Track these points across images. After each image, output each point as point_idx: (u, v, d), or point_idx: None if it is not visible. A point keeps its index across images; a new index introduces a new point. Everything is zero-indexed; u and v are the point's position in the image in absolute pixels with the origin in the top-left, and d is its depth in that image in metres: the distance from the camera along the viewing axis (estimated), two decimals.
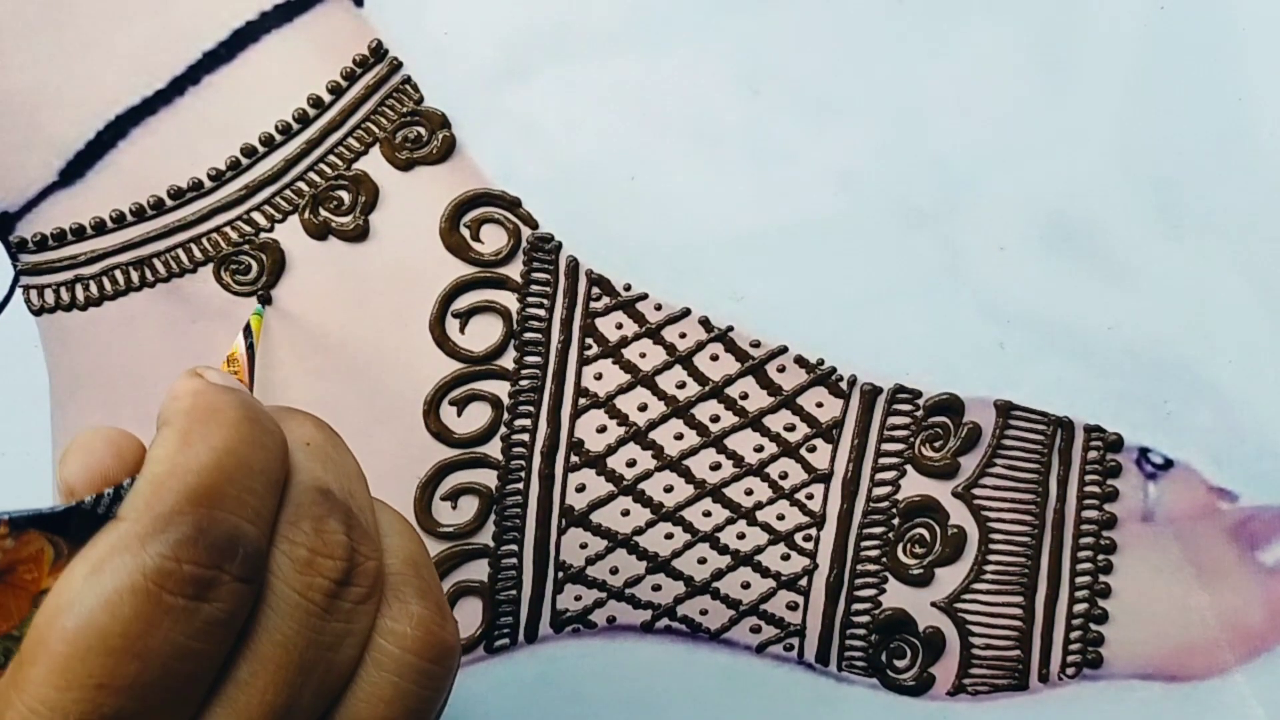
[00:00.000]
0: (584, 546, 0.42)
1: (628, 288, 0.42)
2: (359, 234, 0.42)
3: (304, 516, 0.29)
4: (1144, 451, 0.42)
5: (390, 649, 0.29)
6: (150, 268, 0.42)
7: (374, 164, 0.42)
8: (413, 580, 0.30)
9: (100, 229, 0.42)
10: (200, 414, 0.28)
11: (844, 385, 0.42)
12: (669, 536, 0.42)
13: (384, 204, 0.42)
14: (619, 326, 0.42)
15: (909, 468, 0.42)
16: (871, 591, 0.42)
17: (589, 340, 0.42)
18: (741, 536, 0.42)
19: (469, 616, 0.42)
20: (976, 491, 0.42)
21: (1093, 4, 0.42)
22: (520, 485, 0.42)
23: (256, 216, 0.42)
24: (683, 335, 0.42)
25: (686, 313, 0.42)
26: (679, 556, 0.42)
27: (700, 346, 0.42)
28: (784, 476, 0.42)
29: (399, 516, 0.32)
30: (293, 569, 0.28)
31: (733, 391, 0.42)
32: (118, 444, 0.29)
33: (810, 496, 0.42)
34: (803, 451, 0.42)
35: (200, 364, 0.32)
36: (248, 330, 0.39)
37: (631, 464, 0.42)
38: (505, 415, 0.42)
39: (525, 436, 0.42)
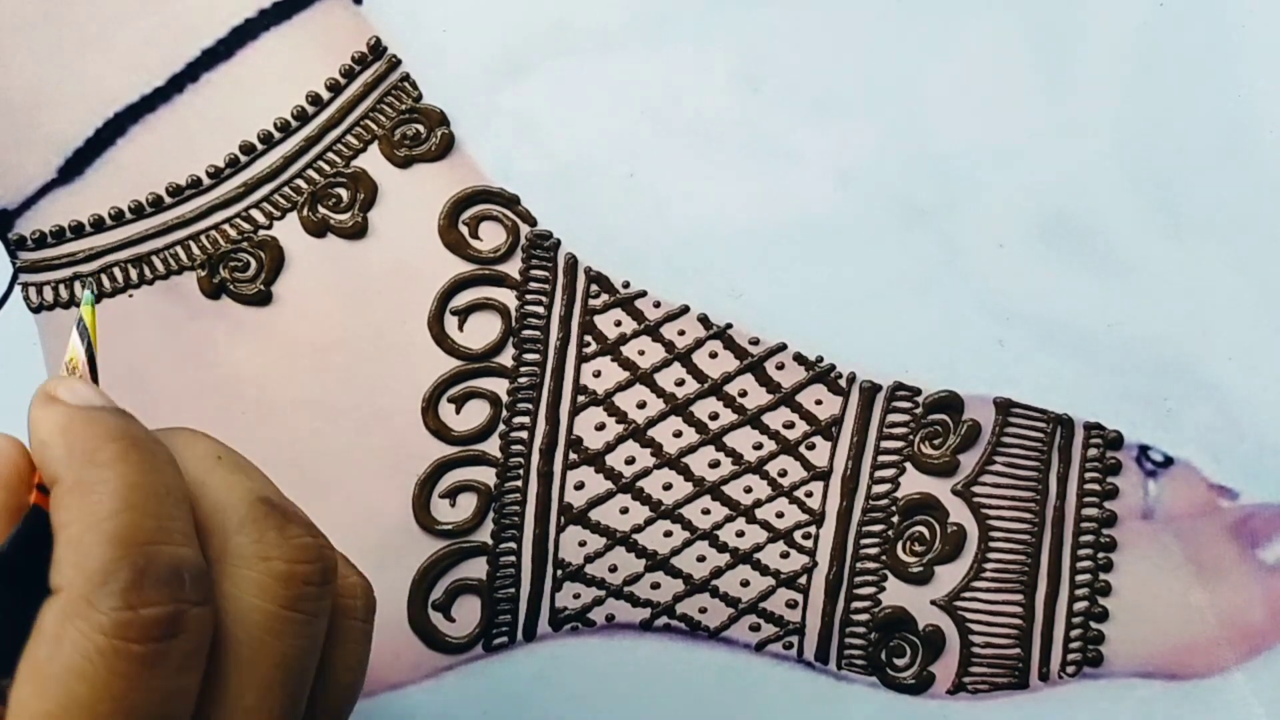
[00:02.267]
0: (583, 544, 0.42)
1: (626, 285, 0.42)
2: (357, 231, 0.42)
3: (266, 530, 0.28)
4: (1144, 449, 0.42)
5: (348, 623, 0.30)
6: (149, 265, 0.42)
7: (373, 161, 0.42)
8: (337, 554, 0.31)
9: (99, 226, 0.42)
10: (81, 457, 0.27)
11: (843, 383, 0.42)
12: (668, 534, 0.42)
13: (382, 201, 0.42)
14: (618, 324, 0.42)
15: (908, 465, 0.42)
16: (871, 590, 0.42)
17: (588, 337, 0.42)
18: (740, 534, 0.42)
19: (467, 614, 0.42)
20: (976, 489, 0.42)
21: (1092, 1, 0.42)
22: (519, 483, 0.42)
23: (255, 214, 0.42)
24: (681, 333, 0.42)
25: (685, 310, 0.42)
26: (678, 554, 0.42)
27: (699, 344, 0.42)
28: (783, 474, 0.42)
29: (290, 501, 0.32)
30: (277, 586, 0.28)
31: (732, 389, 0.42)
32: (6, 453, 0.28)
33: (809, 494, 0.42)
34: (802, 449, 0.42)
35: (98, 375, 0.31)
36: (82, 328, 0.34)
37: (630, 461, 0.42)
38: (504, 412, 0.42)
39: (524, 434, 0.42)
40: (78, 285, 0.42)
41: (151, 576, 0.26)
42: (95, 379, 0.33)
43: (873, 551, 0.42)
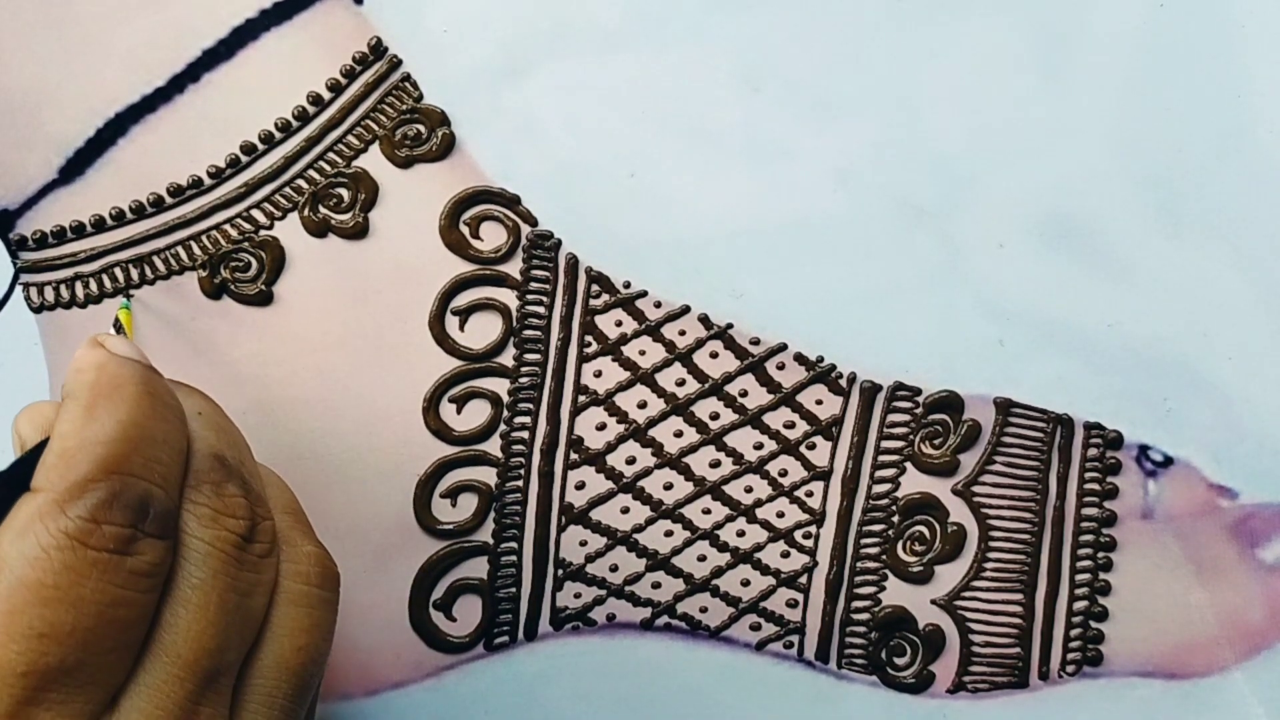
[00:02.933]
0: (583, 544, 0.42)
1: (627, 285, 0.42)
2: (358, 231, 0.42)
3: (204, 480, 0.31)
4: (1144, 449, 0.42)
5: (297, 587, 0.33)
6: (150, 265, 0.42)
7: (373, 161, 0.42)
8: (297, 526, 0.34)
9: (100, 226, 0.42)
10: (103, 388, 0.30)
11: (843, 382, 0.42)
12: (668, 534, 0.42)
13: (383, 201, 0.42)
14: (618, 324, 0.42)
15: (909, 465, 0.42)
16: (871, 589, 0.42)
17: (588, 338, 0.42)
18: (741, 534, 0.42)
19: (468, 614, 0.42)
20: (976, 489, 0.42)
21: (1092, 1, 0.42)
22: (520, 483, 0.42)
23: (256, 214, 0.42)
24: (682, 333, 0.42)
25: (686, 310, 0.42)
26: (678, 554, 0.42)
27: (700, 344, 0.42)
28: (784, 474, 0.42)
29: (270, 471, 0.36)
30: (200, 525, 0.31)
31: (732, 389, 0.42)
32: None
33: (810, 494, 0.42)
34: (802, 449, 0.42)
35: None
36: (119, 327, 0.39)
37: (631, 461, 0.42)
38: (505, 413, 0.42)
39: (525, 434, 0.42)
40: (78, 285, 0.42)
41: (121, 501, 0.29)
42: None
43: (873, 551, 0.42)
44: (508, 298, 0.42)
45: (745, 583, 0.42)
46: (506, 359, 0.42)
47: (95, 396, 0.30)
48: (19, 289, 0.42)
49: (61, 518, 0.28)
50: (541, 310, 0.42)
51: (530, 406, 0.42)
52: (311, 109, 0.42)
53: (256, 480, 0.34)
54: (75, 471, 0.29)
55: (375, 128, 0.42)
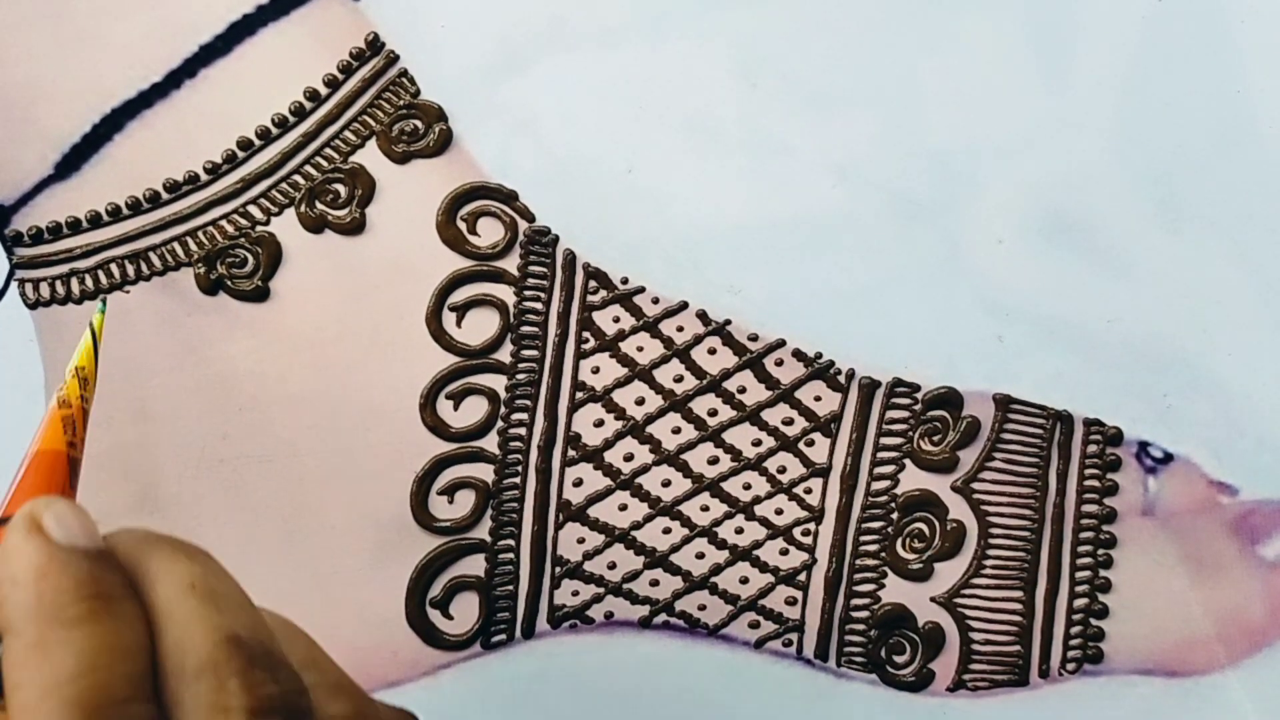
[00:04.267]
0: (581, 541, 0.42)
1: (625, 281, 0.42)
2: (355, 227, 0.42)
3: (227, 676, 0.26)
4: (1144, 445, 0.42)
5: None
6: (145, 261, 0.42)
7: (370, 157, 0.42)
8: (321, 681, 0.29)
9: (96, 223, 0.42)
10: (47, 613, 0.26)
11: (842, 379, 0.42)
12: (667, 531, 0.42)
13: (380, 197, 0.42)
14: (616, 320, 0.42)
15: (908, 462, 0.42)
16: (870, 586, 0.42)
17: (586, 334, 0.42)
18: (740, 531, 0.42)
19: (466, 612, 0.42)
20: (976, 485, 0.42)
21: None
22: (517, 480, 0.42)
23: (253, 210, 0.42)
24: (680, 329, 0.42)
25: (684, 306, 0.42)
26: (677, 551, 0.42)
27: (698, 340, 0.42)
28: (782, 471, 0.42)
29: (279, 617, 0.30)
30: None
31: (730, 385, 0.42)
32: None
33: (809, 491, 0.42)
34: (801, 445, 0.42)
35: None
36: (92, 333, 0.36)
37: (629, 458, 0.42)
38: (502, 409, 0.42)
39: (522, 430, 0.42)
40: (74, 281, 0.42)
41: None
42: (86, 415, 0.33)
43: (872, 548, 0.42)
44: (505, 294, 0.42)
45: (744, 580, 0.42)
46: (504, 355, 0.42)
47: (40, 627, 0.26)
48: (14, 285, 0.42)
49: None
50: (539, 306, 0.42)
51: (528, 403, 0.42)
52: (308, 104, 0.42)
53: (275, 643, 0.28)
54: None
55: (372, 123, 0.42)
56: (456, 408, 0.42)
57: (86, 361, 0.34)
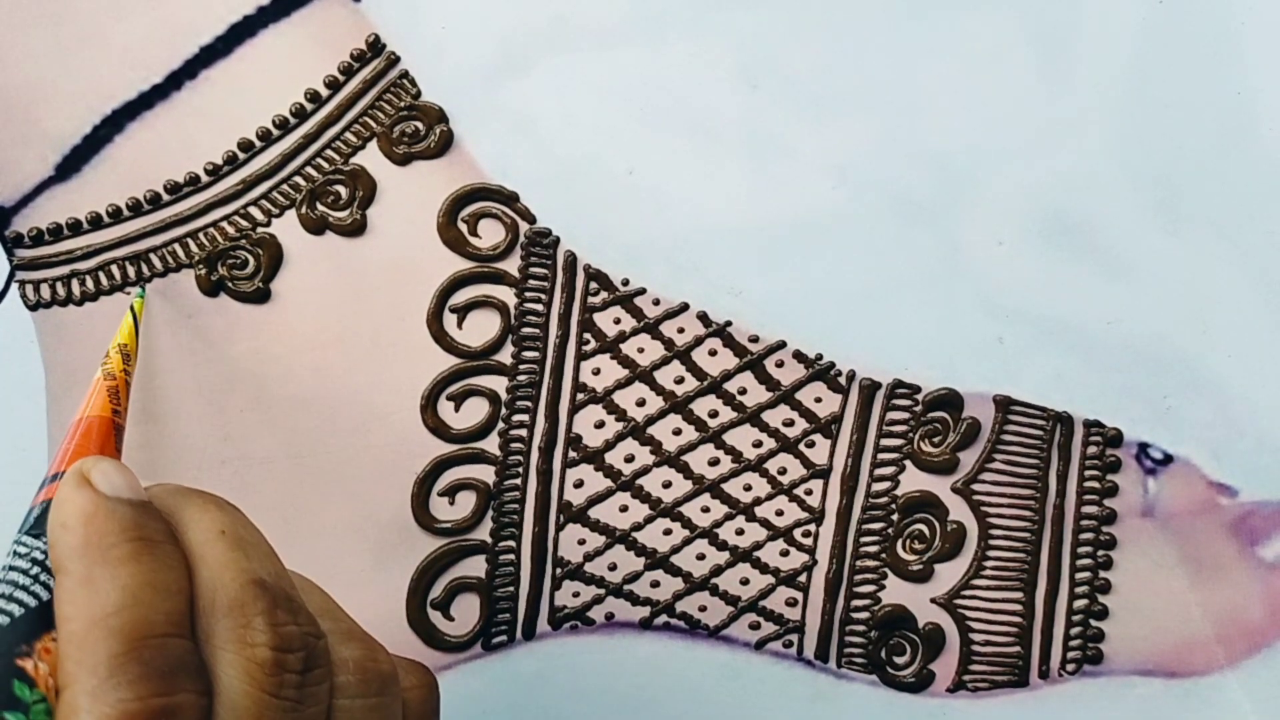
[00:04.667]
0: (582, 542, 0.42)
1: (625, 282, 0.42)
2: (356, 229, 0.42)
3: (253, 615, 0.29)
4: (1143, 446, 0.42)
5: (345, 703, 0.30)
6: (147, 263, 0.42)
7: (371, 159, 0.42)
8: (335, 628, 0.31)
9: (96, 224, 0.42)
10: (95, 552, 0.28)
11: (843, 380, 0.42)
12: (667, 532, 0.42)
13: (381, 199, 0.42)
14: (617, 321, 0.42)
15: (908, 463, 0.42)
16: (871, 588, 0.42)
17: (587, 335, 0.42)
18: (740, 532, 0.42)
19: (466, 613, 0.42)
20: (976, 487, 0.42)
21: None
22: (518, 481, 0.42)
23: (253, 211, 0.42)
24: (681, 330, 0.42)
25: (685, 307, 0.42)
26: (677, 552, 0.42)
27: (698, 341, 0.42)
28: (783, 472, 0.42)
29: (295, 573, 0.33)
30: (261, 672, 0.28)
31: (731, 386, 0.42)
32: None
33: (809, 492, 0.42)
34: (801, 447, 0.42)
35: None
36: (135, 328, 0.39)
37: (630, 459, 0.42)
38: (503, 410, 0.42)
39: (523, 432, 0.42)
40: (74, 283, 0.42)
41: (157, 668, 0.27)
42: (128, 396, 0.37)
43: (872, 549, 0.42)
44: (506, 295, 0.42)
45: (744, 581, 0.42)
46: (505, 356, 0.42)
47: (89, 565, 0.28)
48: (15, 286, 0.42)
49: (99, 706, 0.26)
50: (540, 307, 0.42)
51: (529, 404, 0.42)
52: (309, 106, 0.42)
53: (296, 590, 0.31)
54: (94, 656, 0.27)
55: (373, 125, 0.42)
56: (457, 409, 0.42)
57: (128, 339, 0.39)
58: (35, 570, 0.29)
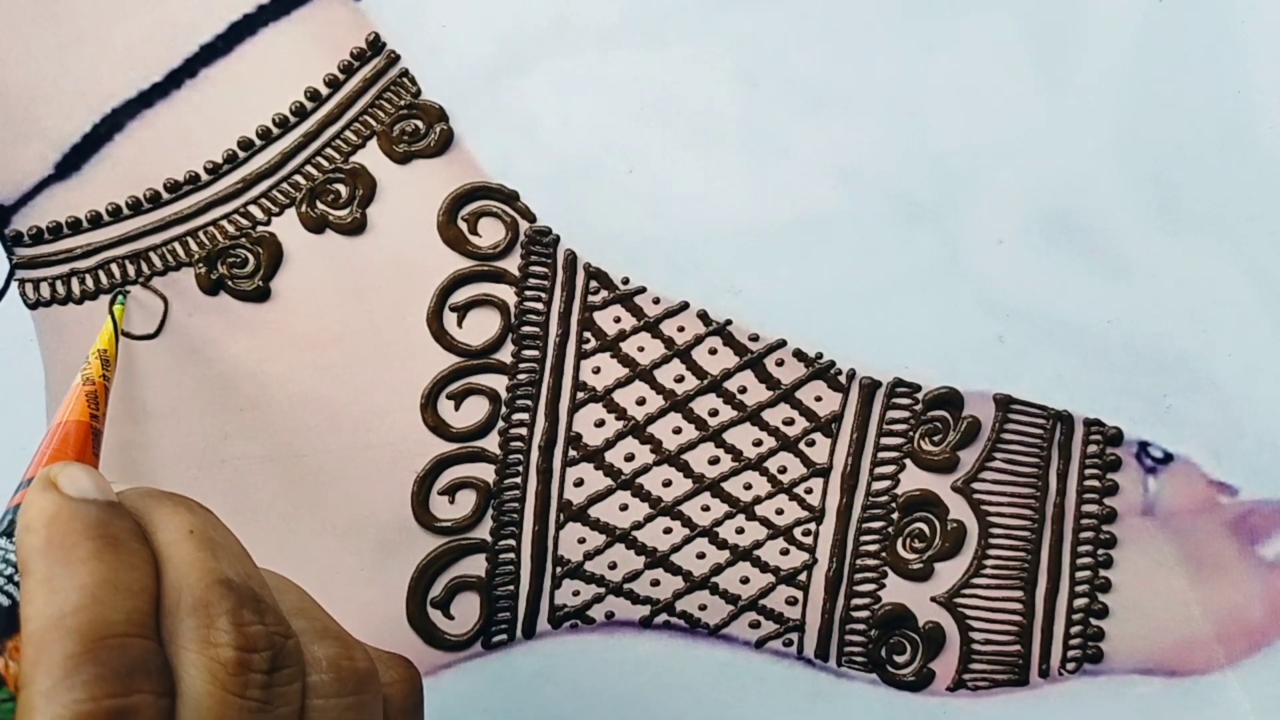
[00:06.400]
0: (582, 541, 0.42)
1: (626, 281, 0.42)
2: (356, 227, 0.42)
3: (217, 614, 0.29)
4: (1144, 445, 0.42)
5: (319, 702, 0.30)
6: (147, 261, 0.42)
7: (371, 157, 0.42)
8: (308, 627, 0.31)
9: (96, 223, 0.42)
10: (57, 553, 0.28)
11: (843, 379, 0.42)
12: (667, 531, 0.42)
13: (381, 197, 0.42)
14: (617, 320, 0.42)
15: (908, 462, 0.42)
16: (871, 586, 0.42)
17: (587, 334, 0.42)
18: (740, 531, 0.42)
19: (467, 612, 0.42)
20: (976, 486, 0.42)
21: None
22: (518, 480, 0.42)
23: (253, 210, 0.42)
24: (681, 329, 0.42)
25: (685, 306, 0.42)
26: (677, 551, 0.42)
27: (698, 340, 0.42)
28: (783, 471, 0.42)
29: (275, 573, 0.33)
30: (224, 672, 0.28)
31: (731, 385, 0.42)
32: None
33: (809, 491, 0.42)
34: (802, 446, 0.42)
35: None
36: (115, 334, 0.39)
37: (630, 458, 0.42)
38: (503, 409, 0.42)
39: (523, 430, 0.42)
40: (74, 281, 0.42)
41: (113, 668, 0.27)
42: (106, 401, 0.37)
43: (873, 548, 0.42)
44: (506, 294, 0.42)
45: (744, 580, 0.42)
46: (505, 355, 0.42)
47: (50, 565, 0.28)
48: (15, 285, 0.42)
49: (54, 707, 0.26)
50: (540, 306, 0.42)
51: (529, 403, 0.42)
52: (309, 104, 0.42)
53: (266, 590, 0.31)
54: (51, 655, 0.27)
55: (373, 123, 0.42)
56: (457, 408, 0.42)
57: (108, 344, 0.39)
58: (9, 571, 0.29)
